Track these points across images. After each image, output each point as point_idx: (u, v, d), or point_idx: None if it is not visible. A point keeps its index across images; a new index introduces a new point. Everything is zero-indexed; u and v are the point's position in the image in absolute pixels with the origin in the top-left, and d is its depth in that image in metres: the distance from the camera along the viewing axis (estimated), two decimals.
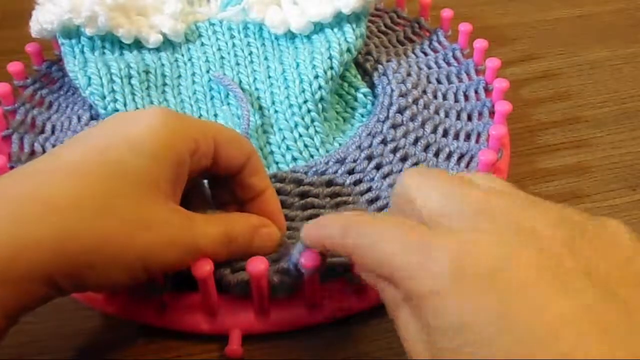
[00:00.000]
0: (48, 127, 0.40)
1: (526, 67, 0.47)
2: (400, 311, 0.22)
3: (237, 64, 0.42)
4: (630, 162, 0.40)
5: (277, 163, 0.39)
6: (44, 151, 0.38)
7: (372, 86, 0.42)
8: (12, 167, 0.37)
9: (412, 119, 0.39)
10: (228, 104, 0.41)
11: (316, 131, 0.39)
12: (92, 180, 0.25)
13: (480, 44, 0.43)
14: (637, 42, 0.49)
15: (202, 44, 0.43)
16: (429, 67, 0.44)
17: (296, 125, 0.39)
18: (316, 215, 0.34)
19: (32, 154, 0.38)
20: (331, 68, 0.40)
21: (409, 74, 0.42)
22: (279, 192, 0.35)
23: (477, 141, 0.38)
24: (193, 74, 0.42)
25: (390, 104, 0.39)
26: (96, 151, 0.26)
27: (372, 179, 0.36)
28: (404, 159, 0.37)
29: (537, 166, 0.40)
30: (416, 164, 0.37)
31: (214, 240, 0.28)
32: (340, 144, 0.39)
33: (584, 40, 0.49)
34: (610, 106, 0.44)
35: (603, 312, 0.18)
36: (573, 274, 0.19)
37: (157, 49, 0.42)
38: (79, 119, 0.40)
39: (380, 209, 0.35)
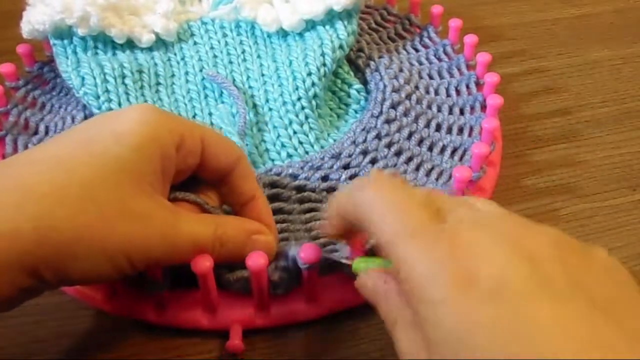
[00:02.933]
0: (42, 128, 0.40)
1: (526, 67, 0.47)
2: (397, 322, 0.22)
3: (230, 62, 0.42)
4: (630, 162, 0.40)
5: (272, 160, 0.39)
6: None
7: (364, 82, 0.42)
8: None
9: (406, 113, 0.39)
10: (222, 102, 0.41)
11: (310, 128, 0.39)
12: (73, 170, 0.25)
13: (470, 39, 0.44)
14: (637, 42, 0.49)
15: (195, 43, 0.43)
16: (421, 63, 0.44)
17: (290, 123, 0.39)
18: (313, 210, 0.35)
19: None
20: (324, 65, 0.40)
21: (401, 70, 0.42)
22: (275, 185, 0.35)
23: (469, 135, 0.39)
24: (186, 73, 0.42)
25: (384, 100, 0.40)
26: (80, 143, 0.26)
27: (367, 174, 0.37)
28: (398, 153, 0.38)
29: (536, 166, 0.40)
30: (411, 158, 0.38)
31: (202, 240, 0.27)
32: (334, 140, 0.39)
33: (584, 40, 0.50)
34: (610, 106, 0.44)
35: (598, 322, 0.19)
36: (567, 287, 0.20)
37: (150, 49, 0.42)
38: (72, 119, 0.40)
39: None
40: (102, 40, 0.41)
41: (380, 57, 0.43)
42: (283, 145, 0.39)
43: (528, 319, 0.19)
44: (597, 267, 0.21)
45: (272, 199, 0.35)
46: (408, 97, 0.40)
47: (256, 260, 0.29)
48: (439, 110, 0.41)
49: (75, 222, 0.24)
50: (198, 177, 0.30)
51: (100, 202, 0.24)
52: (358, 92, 0.42)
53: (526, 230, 0.22)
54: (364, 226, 0.24)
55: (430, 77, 0.43)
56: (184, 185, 0.29)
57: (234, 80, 0.41)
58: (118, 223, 0.25)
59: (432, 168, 0.37)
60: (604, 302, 0.20)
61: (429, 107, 0.41)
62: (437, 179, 0.37)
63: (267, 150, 0.39)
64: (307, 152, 0.39)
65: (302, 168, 0.37)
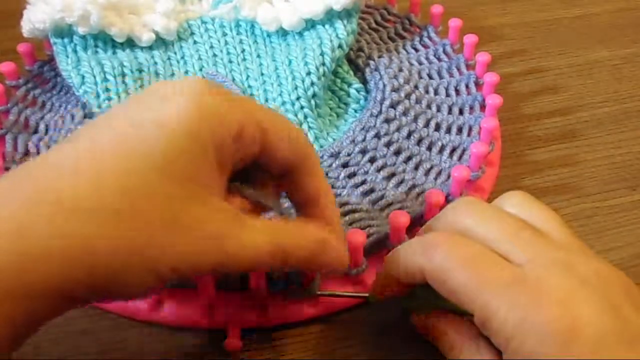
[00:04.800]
0: (42, 126, 0.40)
1: (526, 67, 0.47)
2: (466, 351, 0.23)
3: (230, 61, 0.42)
4: (630, 162, 0.40)
5: None
6: (38, 151, 0.38)
7: (364, 82, 0.43)
8: (7, 168, 0.37)
9: (405, 113, 0.39)
10: None
11: (310, 127, 0.39)
12: (109, 175, 0.20)
13: (470, 39, 0.44)
14: (637, 42, 0.49)
15: (195, 42, 0.43)
16: (420, 63, 0.44)
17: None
18: None
19: (26, 154, 0.38)
20: (323, 64, 0.40)
21: (400, 70, 0.42)
22: None
23: (468, 134, 0.39)
24: (186, 72, 0.42)
25: (383, 99, 0.40)
26: (117, 139, 0.21)
27: (366, 172, 0.37)
28: (397, 153, 0.38)
29: (536, 166, 0.40)
30: (410, 157, 0.38)
31: (264, 252, 0.23)
32: (334, 139, 0.39)
33: (584, 40, 0.49)
34: (610, 106, 0.44)
35: None
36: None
37: (150, 48, 0.42)
38: (72, 117, 0.40)
39: (374, 202, 0.35)
40: (102, 39, 0.41)
41: (380, 56, 0.43)
42: None
43: None
44: None
45: None
46: (407, 96, 0.40)
47: None
48: (439, 109, 0.41)
49: (115, 240, 0.20)
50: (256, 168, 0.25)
51: (142, 214, 0.20)
52: (357, 91, 0.42)
53: (606, 274, 0.22)
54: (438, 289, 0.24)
55: (430, 77, 0.43)
56: (244, 174, 0.25)
57: (233, 79, 0.41)
58: (161, 234, 0.21)
59: (431, 167, 0.37)
60: None
61: (429, 106, 0.41)
62: (435, 179, 0.37)
63: None
64: None
65: None
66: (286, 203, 0.28)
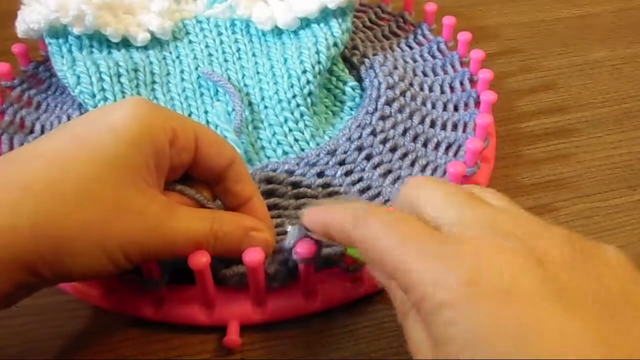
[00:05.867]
0: (37, 127, 0.40)
1: (525, 66, 0.47)
2: (408, 317, 0.22)
3: (226, 60, 0.42)
4: (630, 162, 0.40)
5: (268, 158, 0.39)
6: None
7: (359, 80, 0.43)
8: None
9: (400, 110, 0.40)
10: (218, 100, 0.41)
11: (306, 125, 0.39)
12: (70, 166, 0.25)
13: (463, 36, 0.44)
14: (637, 42, 0.49)
15: (190, 42, 0.43)
16: (415, 60, 0.45)
17: (286, 120, 0.39)
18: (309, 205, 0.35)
19: None
20: (319, 62, 0.40)
21: (395, 67, 0.42)
22: (270, 181, 0.35)
23: (464, 131, 0.39)
24: (182, 72, 0.42)
25: (379, 97, 0.40)
26: (76, 138, 0.26)
27: (363, 169, 0.37)
28: (393, 150, 0.38)
29: (536, 166, 0.40)
30: (406, 154, 0.38)
31: (197, 235, 0.28)
32: (330, 137, 0.39)
33: (584, 40, 0.50)
34: (610, 106, 0.44)
35: (605, 332, 0.19)
36: (575, 295, 0.19)
37: (145, 47, 0.42)
38: (68, 118, 0.40)
39: (372, 199, 0.36)
40: (98, 39, 0.41)
41: (374, 54, 0.43)
42: (279, 143, 0.39)
43: (534, 324, 0.18)
44: (607, 270, 0.21)
45: (268, 194, 0.35)
46: (403, 94, 0.40)
47: (253, 256, 0.29)
48: (434, 106, 0.41)
49: (72, 218, 0.24)
50: (193, 176, 0.30)
51: (97, 198, 0.25)
52: (353, 89, 0.42)
53: (538, 231, 0.21)
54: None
55: (425, 74, 0.44)
56: (179, 183, 0.29)
57: (229, 78, 0.41)
58: (114, 218, 0.25)
59: (427, 164, 0.38)
60: (612, 308, 0.19)
61: (424, 103, 0.41)
62: (431, 175, 0.37)
63: (262, 148, 0.39)
64: (302, 150, 0.39)
65: (297, 164, 0.37)
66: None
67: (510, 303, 0.19)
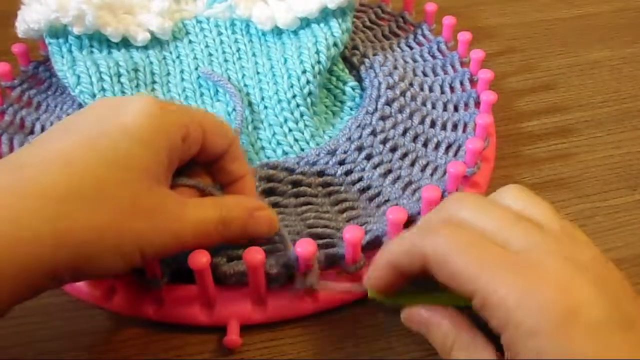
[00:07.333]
0: (37, 127, 0.40)
1: (525, 66, 0.47)
2: (454, 347, 0.24)
3: (226, 60, 0.42)
4: (630, 162, 0.40)
5: (268, 158, 0.39)
6: None
7: (359, 80, 0.43)
8: None
9: (401, 110, 0.40)
10: (218, 100, 0.41)
11: (306, 125, 0.39)
12: (85, 169, 0.25)
13: (463, 36, 0.44)
14: (637, 42, 0.49)
15: (190, 42, 0.43)
16: (415, 60, 0.45)
17: (286, 120, 0.39)
18: (309, 204, 0.35)
19: None
20: (319, 62, 0.40)
21: (395, 67, 0.42)
22: (271, 179, 0.36)
23: (464, 131, 0.39)
24: (182, 71, 0.42)
25: (379, 97, 0.40)
26: (88, 140, 0.25)
27: (362, 169, 0.37)
28: (393, 150, 0.38)
29: (536, 166, 0.40)
30: (406, 154, 0.38)
31: (207, 227, 0.28)
32: (330, 137, 0.39)
33: (584, 40, 0.50)
34: (610, 106, 0.44)
35: None
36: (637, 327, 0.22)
37: (145, 47, 0.42)
38: None
39: (371, 199, 0.36)
40: (98, 39, 0.41)
41: (374, 54, 0.43)
42: (279, 143, 0.39)
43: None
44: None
45: (268, 193, 0.35)
46: (403, 94, 0.41)
47: (253, 255, 0.29)
48: (434, 107, 0.41)
49: (91, 222, 0.24)
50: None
51: (114, 200, 0.25)
52: (353, 89, 0.42)
53: (603, 264, 0.23)
54: (429, 272, 0.24)
55: (425, 74, 0.44)
56: (177, 169, 0.29)
57: (229, 78, 0.41)
58: (132, 220, 0.25)
59: (427, 164, 0.38)
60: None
61: (424, 103, 0.41)
62: (432, 175, 0.37)
63: (262, 148, 0.39)
64: (302, 150, 0.39)
65: (297, 163, 0.37)
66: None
67: (599, 336, 0.20)
